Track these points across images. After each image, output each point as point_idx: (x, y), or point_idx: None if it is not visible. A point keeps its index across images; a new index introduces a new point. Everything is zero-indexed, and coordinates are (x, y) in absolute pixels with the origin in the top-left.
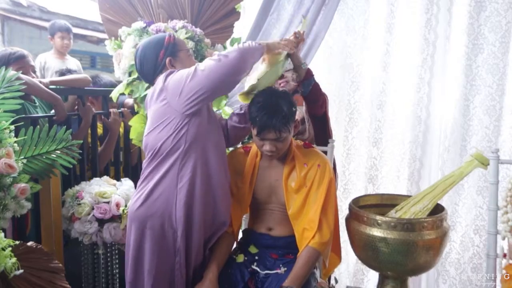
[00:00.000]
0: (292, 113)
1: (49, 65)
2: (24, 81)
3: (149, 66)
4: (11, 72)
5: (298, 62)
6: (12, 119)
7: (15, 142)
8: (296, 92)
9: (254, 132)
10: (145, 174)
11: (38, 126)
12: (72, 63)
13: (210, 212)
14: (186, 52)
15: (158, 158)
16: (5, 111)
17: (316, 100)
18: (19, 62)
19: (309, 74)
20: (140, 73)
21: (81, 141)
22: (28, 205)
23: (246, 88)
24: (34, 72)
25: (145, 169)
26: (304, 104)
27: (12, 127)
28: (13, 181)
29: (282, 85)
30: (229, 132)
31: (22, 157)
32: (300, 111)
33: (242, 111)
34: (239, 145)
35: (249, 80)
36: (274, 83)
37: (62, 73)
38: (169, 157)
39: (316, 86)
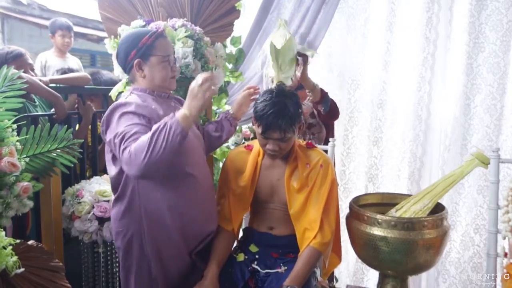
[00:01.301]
0: (298, 114)
1: (50, 64)
2: (25, 79)
3: (121, 60)
4: (13, 71)
5: (311, 86)
6: (14, 118)
7: (17, 141)
8: (300, 87)
9: (259, 130)
10: (114, 196)
11: (40, 125)
12: (73, 61)
13: (190, 229)
14: (160, 58)
15: (116, 190)
16: (6, 110)
17: (335, 115)
18: (16, 60)
19: (323, 92)
20: (117, 62)
21: (82, 140)
22: (30, 203)
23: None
24: (33, 70)
25: (112, 190)
26: (310, 100)
27: (15, 125)
28: (16, 179)
29: None
30: (205, 139)
31: (24, 155)
32: (308, 106)
33: (219, 119)
34: (242, 143)
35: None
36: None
37: (64, 71)
38: (125, 190)
39: (332, 102)
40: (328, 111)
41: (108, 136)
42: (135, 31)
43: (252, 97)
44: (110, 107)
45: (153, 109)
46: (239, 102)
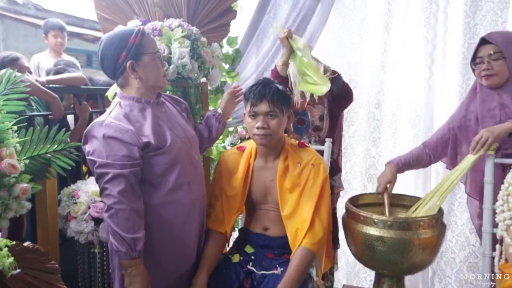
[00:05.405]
0: (285, 92)
1: (44, 65)
2: (28, 83)
3: (109, 65)
4: (16, 73)
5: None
6: (15, 120)
7: (17, 142)
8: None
9: (248, 108)
10: None
11: (39, 127)
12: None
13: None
14: (152, 55)
15: None
16: (8, 112)
17: (347, 95)
18: (13, 64)
19: (335, 72)
20: (101, 68)
21: (80, 144)
22: (28, 205)
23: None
24: (30, 73)
25: None
26: (326, 102)
27: (15, 127)
28: (15, 181)
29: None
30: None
31: (24, 157)
32: (320, 109)
33: (206, 118)
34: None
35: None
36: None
37: (58, 71)
38: None
39: (344, 82)
40: (340, 88)
41: (87, 150)
42: (118, 32)
43: (237, 99)
44: (91, 124)
45: (135, 127)
46: (224, 99)
